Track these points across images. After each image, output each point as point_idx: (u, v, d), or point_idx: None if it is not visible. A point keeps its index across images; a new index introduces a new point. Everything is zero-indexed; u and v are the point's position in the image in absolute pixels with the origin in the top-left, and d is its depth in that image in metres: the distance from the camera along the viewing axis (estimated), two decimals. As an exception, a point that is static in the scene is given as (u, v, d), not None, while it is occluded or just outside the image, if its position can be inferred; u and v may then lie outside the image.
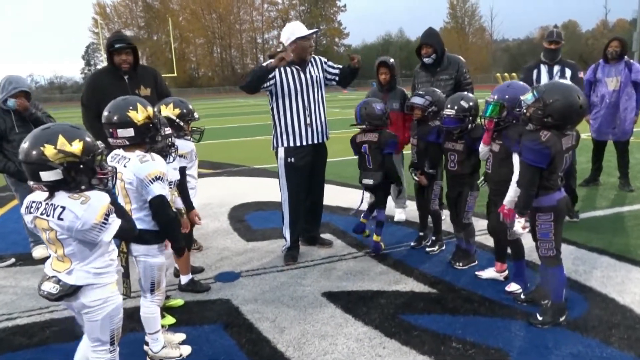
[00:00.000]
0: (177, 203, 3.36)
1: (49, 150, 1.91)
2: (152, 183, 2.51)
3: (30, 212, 2.04)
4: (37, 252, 4.59)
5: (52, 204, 1.97)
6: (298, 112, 4.14)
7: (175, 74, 50.17)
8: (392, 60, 5.01)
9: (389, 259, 4.25)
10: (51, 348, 3.02)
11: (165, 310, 3.25)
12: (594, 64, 6.31)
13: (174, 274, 3.83)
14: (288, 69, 4.09)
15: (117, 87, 4.05)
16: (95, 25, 65.25)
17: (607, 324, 3.04)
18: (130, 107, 2.54)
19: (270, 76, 3.99)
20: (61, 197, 1.97)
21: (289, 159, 4.19)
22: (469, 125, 3.68)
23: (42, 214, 1.99)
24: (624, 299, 3.35)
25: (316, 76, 4.22)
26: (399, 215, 5.30)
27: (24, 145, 1.95)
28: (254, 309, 3.42)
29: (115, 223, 2.06)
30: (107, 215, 2.01)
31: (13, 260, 4.50)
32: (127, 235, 2.21)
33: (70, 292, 2.04)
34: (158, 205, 2.57)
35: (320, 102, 4.27)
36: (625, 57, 6.01)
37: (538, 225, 2.99)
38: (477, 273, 3.79)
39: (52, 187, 1.97)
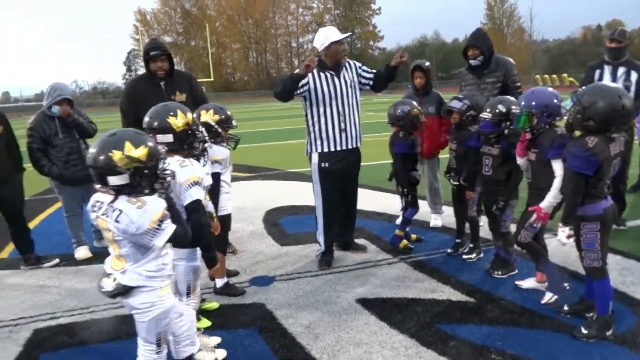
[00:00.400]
0: (209, 207, 3.39)
1: (116, 156, 2.00)
2: (190, 188, 2.53)
3: (94, 212, 2.15)
4: (80, 253, 4.75)
5: (111, 207, 2.06)
6: (332, 117, 4.12)
7: (212, 79, 51.16)
8: (427, 63, 4.92)
9: (425, 266, 4.17)
10: (91, 348, 3.10)
11: (201, 313, 3.29)
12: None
13: (209, 277, 3.87)
14: (322, 74, 4.08)
15: (154, 93, 4.14)
16: (136, 32, 67.23)
17: (658, 339, 2.88)
18: (171, 114, 2.57)
19: (304, 82, 3.99)
20: (120, 201, 2.05)
21: (322, 164, 4.17)
22: (505, 130, 3.57)
23: (103, 214, 2.10)
24: (676, 313, 3.17)
25: (350, 81, 4.19)
26: (435, 221, 5.21)
27: (92, 150, 2.04)
28: (288, 313, 3.42)
29: (169, 229, 2.10)
30: (162, 221, 2.06)
31: (57, 260, 4.66)
32: (181, 242, 2.24)
33: (123, 291, 2.12)
34: (193, 210, 2.58)
35: (355, 107, 4.24)
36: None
37: (583, 235, 2.86)
38: (517, 283, 3.67)
39: (119, 191, 2.05)
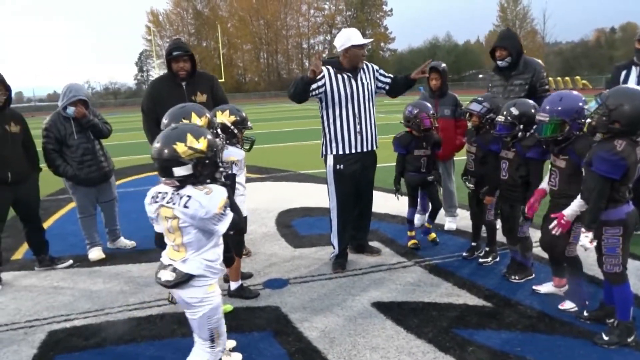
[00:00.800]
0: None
1: (180, 148, 2.11)
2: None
3: (156, 202, 2.22)
4: (93, 254, 4.76)
5: (178, 194, 2.16)
6: (348, 120, 4.09)
7: (223, 80, 51.31)
8: (443, 65, 4.88)
9: (440, 269, 4.13)
10: (106, 350, 3.10)
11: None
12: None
13: (224, 279, 3.86)
14: (339, 76, 4.05)
15: (175, 94, 4.17)
16: (148, 33, 67.79)
17: (682, 347, 2.82)
18: (184, 117, 2.63)
19: (320, 83, 3.98)
20: (187, 188, 2.16)
21: (338, 166, 4.15)
22: (519, 134, 3.51)
23: (168, 202, 2.17)
24: (700, 321, 3.10)
25: (367, 84, 4.16)
26: (449, 224, 5.16)
27: (157, 144, 2.15)
28: (303, 317, 3.39)
29: (230, 215, 2.21)
30: (225, 207, 2.18)
31: (71, 261, 4.68)
32: (237, 228, 2.32)
33: (184, 280, 2.19)
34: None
35: (371, 110, 4.20)
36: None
37: (605, 239, 2.80)
38: (534, 287, 3.61)
39: (183, 181, 2.15)
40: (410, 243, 4.64)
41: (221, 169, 2.27)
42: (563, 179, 3.15)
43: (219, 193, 2.16)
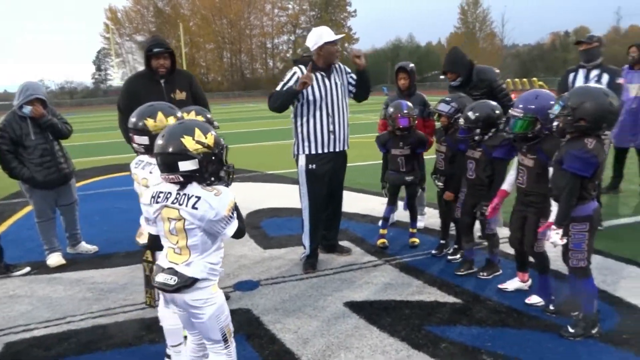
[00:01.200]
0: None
1: (188, 142, 2.05)
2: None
3: (158, 202, 2.12)
4: (52, 259, 4.55)
5: (185, 194, 2.07)
6: (321, 119, 4.07)
7: (185, 80, 50.37)
8: (411, 65, 4.94)
9: (410, 267, 4.16)
10: None
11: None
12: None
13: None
14: (313, 75, 4.01)
15: (153, 91, 4.04)
16: (106, 30, 65.78)
17: (641, 336, 2.94)
18: (149, 116, 2.55)
19: (294, 80, 3.98)
20: (195, 188, 2.08)
21: (310, 166, 4.13)
22: (476, 137, 3.59)
23: (173, 202, 2.08)
24: (657, 311, 3.24)
25: (341, 83, 4.16)
26: (418, 222, 5.21)
27: (161, 139, 2.07)
28: (275, 319, 3.35)
29: (236, 220, 2.15)
30: (233, 210, 2.12)
31: (28, 268, 4.46)
32: (240, 235, 2.23)
33: (187, 284, 2.09)
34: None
35: (344, 110, 4.20)
36: (651, 63, 5.89)
37: (572, 235, 2.88)
38: (500, 286, 3.65)
39: (187, 177, 2.07)
40: (379, 242, 4.68)
41: (225, 168, 2.21)
42: (531, 178, 3.22)
43: (227, 195, 2.10)
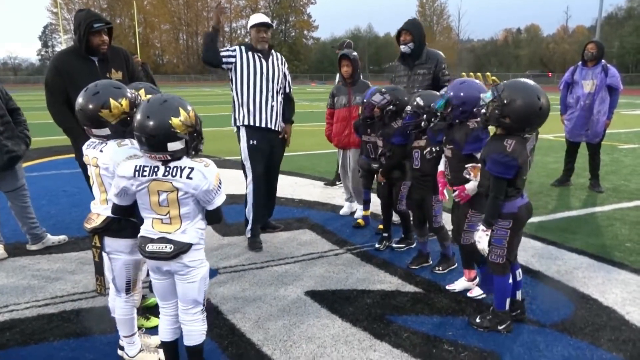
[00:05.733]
0: None
1: (175, 123, 2.08)
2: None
3: (144, 175, 2.14)
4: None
5: (177, 167, 2.14)
6: (258, 91, 4.28)
7: (139, 60, 48.63)
8: (354, 53, 4.94)
9: (371, 256, 4.15)
10: (11, 352, 2.76)
11: (142, 311, 3.04)
12: (572, 66, 6.40)
13: (147, 271, 3.60)
14: (250, 53, 4.26)
15: (86, 70, 3.70)
16: (54, 5, 62.43)
17: (594, 325, 3.03)
18: (102, 107, 2.32)
19: (232, 53, 4.25)
20: (184, 161, 2.16)
21: (251, 141, 4.28)
22: (422, 123, 3.51)
23: (164, 175, 2.13)
24: (607, 300, 3.36)
25: (278, 69, 4.38)
26: (360, 212, 5.13)
27: (148, 121, 2.05)
28: (234, 308, 3.25)
29: (223, 190, 2.29)
30: (220, 181, 2.24)
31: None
32: (218, 219, 2.34)
33: (185, 249, 2.20)
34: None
35: (278, 94, 4.39)
36: (603, 61, 6.10)
37: (494, 230, 2.84)
38: (448, 287, 3.55)
39: (174, 155, 2.12)
40: (357, 221, 4.89)
41: (203, 140, 2.27)
42: (453, 167, 3.23)
43: (213, 167, 2.21)
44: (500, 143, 2.68)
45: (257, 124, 4.27)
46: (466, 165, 3.07)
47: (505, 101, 2.62)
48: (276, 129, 4.40)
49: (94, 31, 3.70)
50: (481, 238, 2.85)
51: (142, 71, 7.70)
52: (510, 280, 2.96)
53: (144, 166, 2.15)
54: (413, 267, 3.90)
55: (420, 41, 4.61)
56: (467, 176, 3.07)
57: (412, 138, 3.75)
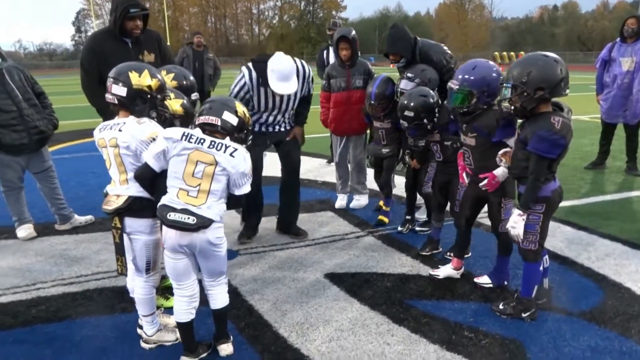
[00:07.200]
0: None
1: (238, 105, 2.44)
2: (153, 142, 2.40)
3: (190, 142, 2.27)
4: (22, 232, 4.24)
5: (222, 143, 2.30)
6: (263, 113, 3.94)
7: (169, 44, 49.13)
8: (353, 32, 4.51)
9: (394, 240, 4.08)
10: (37, 329, 2.84)
11: (162, 291, 3.08)
12: (609, 43, 6.09)
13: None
14: (262, 89, 3.74)
15: (120, 51, 3.74)
16: (85, -10, 63.38)
17: (625, 315, 2.90)
18: (134, 70, 2.44)
19: (239, 87, 3.77)
20: (230, 141, 2.34)
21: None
22: (429, 126, 3.52)
23: (209, 147, 2.27)
24: (640, 289, 3.22)
25: (292, 97, 3.90)
26: (356, 202, 4.97)
27: (222, 115, 2.36)
28: (253, 289, 3.26)
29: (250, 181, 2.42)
30: (251, 172, 2.40)
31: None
32: (238, 204, 2.52)
33: (206, 224, 2.27)
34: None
35: (287, 111, 3.99)
36: (644, 36, 5.77)
37: (526, 215, 2.73)
38: (431, 273, 3.43)
39: (225, 126, 2.36)
40: (379, 218, 4.48)
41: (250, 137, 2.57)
42: (476, 157, 3.05)
43: (249, 157, 2.36)
44: (548, 120, 2.54)
45: (256, 130, 3.94)
46: (499, 153, 2.91)
47: (523, 80, 2.52)
48: (277, 130, 4.03)
49: (129, 16, 3.74)
50: (517, 223, 2.73)
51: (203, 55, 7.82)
52: (541, 268, 2.85)
53: (192, 134, 2.30)
54: (424, 253, 3.78)
55: (410, 51, 4.03)
56: (500, 163, 2.91)
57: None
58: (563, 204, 4.72)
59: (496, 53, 43.33)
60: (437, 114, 3.50)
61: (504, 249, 3.23)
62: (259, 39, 71.89)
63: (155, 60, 3.95)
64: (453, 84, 2.95)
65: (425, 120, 3.50)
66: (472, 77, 2.88)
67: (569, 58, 47.14)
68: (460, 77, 2.93)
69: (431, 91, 3.59)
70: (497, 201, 3.09)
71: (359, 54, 4.63)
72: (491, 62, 2.99)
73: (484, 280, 3.29)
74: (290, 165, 4.17)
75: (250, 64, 3.73)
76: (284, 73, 3.57)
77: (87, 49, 3.89)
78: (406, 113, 3.50)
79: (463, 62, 3.15)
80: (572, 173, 6.12)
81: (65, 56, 71.52)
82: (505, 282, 3.26)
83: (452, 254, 3.52)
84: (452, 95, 2.96)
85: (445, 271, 3.41)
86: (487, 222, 4.30)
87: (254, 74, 3.68)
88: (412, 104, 3.50)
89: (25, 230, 4.27)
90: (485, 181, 2.96)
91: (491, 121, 2.89)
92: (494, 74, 2.89)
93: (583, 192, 5.35)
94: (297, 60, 3.79)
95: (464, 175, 3.22)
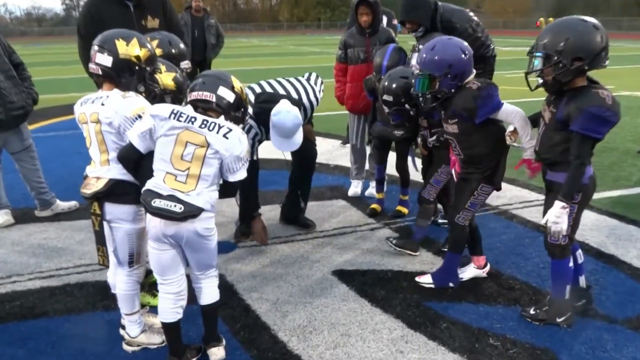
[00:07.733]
0: None
1: (235, 82, 2.41)
2: (139, 119, 2.39)
3: (179, 120, 2.26)
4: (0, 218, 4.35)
5: (215, 122, 2.27)
6: None
7: (170, 8, 49.17)
8: None
9: (412, 232, 4.01)
10: (10, 328, 2.87)
11: (149, 287, 3.08)
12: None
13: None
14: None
15: (121, 16, 3.73)
16: (77, -52, 63.57)
17: (678, 324, 2.83)
18: (121, 38, 2.45)
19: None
20: (223, 121, 2.31)
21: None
22: (412, 111, 3.43)
23: (201, 127, 2.25)
24: (698, 294, 3.13)
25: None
26: (354, 188, 4.95)
27: (218, 91, 2.33)
28: (251, 287, 3.25)
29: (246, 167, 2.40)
30: (249, 155, 2.39)
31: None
32: (232, 193, 2.58)
33: (195, 214, 2.25)
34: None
35: None
36: None
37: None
38: (417, 280, 3.31)
39: (220, 102, 2.34)
40: (371, 206, 4.48)
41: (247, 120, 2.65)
42: (463, 145, 2.99)
43: (245, 139, 2.34)
44: (596, 95, 2.43)
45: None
46: (507, 132, 2.87)
47: (559, 49, 2.42)
48: None
49: None
50: (560, 217, 2.56)
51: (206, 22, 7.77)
52: (571, 264, 2.78)
53: (182, 112, 2.28)
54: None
55: (429, 17, 3.83)
56: (510, 142, 2.85)
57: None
58: (610, 193, 4.64)
59: (541, 19, 42.35)
60: (421, 100, 3.21)
61: (454, 245, 3.20)
62: (270, 3, 71.45)
63: (160, 26, 3.94)
64: (415, 68, 2.89)
65: (407, 106, 3.38)
66: (431, 59, 2.83)
67: (626, 25, 46.01)
68: (421, 58, 2.88)
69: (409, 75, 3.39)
70: (476, 184, 3.02)
71: (383, 21, 4.53)
72: (456, 39, 2.92)
73: (426, 280, 3.25)
74: (305, 162, 4.11)
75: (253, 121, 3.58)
76: (284, 131, 3.40)
77: (84, 14, 3.94)
78: (385, 97, 3.41)
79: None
80: (623, 158, 5.95)
81: (55, 22, 72.21)
82: (451, 284, 3.20)
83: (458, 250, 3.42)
84: (417, 81, 2.90)
85: (470, 272, 3.34)
86: (517, 212, 4.29)
87: (262, 128, 3.62)
88: (392, 86, 3.39)
89: (1, 217, 4.33)
90: (529, 173, 2.90)
91: (469, 102, 2.82)
92: (460, 54, 2.82)
93: (635, 180, 5.20)
94: (310, 92, 3.78)
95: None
